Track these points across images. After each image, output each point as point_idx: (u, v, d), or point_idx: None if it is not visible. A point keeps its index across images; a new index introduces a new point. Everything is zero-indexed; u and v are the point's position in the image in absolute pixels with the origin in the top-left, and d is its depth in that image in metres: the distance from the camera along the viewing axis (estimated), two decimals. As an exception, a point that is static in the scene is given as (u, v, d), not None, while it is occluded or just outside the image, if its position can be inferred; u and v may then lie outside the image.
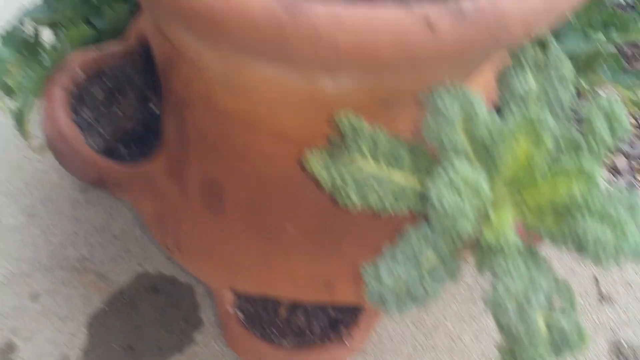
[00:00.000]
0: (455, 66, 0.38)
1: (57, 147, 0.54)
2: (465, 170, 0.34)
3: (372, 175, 0.40)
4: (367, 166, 0.40)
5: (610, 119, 0.37)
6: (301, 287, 0.59)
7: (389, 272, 0.40)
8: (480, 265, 0.40)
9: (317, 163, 0.41)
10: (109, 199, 0.97)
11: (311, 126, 0.45)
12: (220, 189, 0.52)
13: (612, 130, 0.37)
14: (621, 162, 1.04)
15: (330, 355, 0.69)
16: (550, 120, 0.35)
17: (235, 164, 0.50)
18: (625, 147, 1.06)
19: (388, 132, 0.41)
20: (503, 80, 0.40)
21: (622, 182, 1.03)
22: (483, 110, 0.37)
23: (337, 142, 0.42)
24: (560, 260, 0.88)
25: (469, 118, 0.37)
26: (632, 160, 1.05)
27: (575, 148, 0.38)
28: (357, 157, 0.41)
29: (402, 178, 0.40)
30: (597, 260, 0.35)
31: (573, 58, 0.63)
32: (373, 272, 0.41)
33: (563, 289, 0.40)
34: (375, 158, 0.41)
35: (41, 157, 1.00)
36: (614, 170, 1.04)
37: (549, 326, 0.40)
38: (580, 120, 0.38)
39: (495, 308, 0.38)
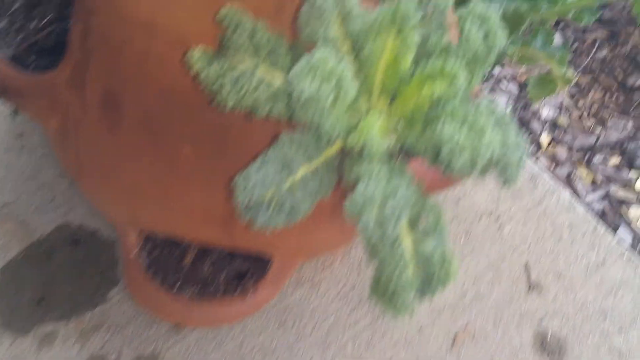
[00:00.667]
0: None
1: (-42, 48, 0.53)
2: (327, 56, 0.34)
3: (249, 72, 0.39)
4: (246, 64, 0.40)
5: (486, 30, 0.36)
6: (200, 224, 0.58)
7: (258, 180, 0.39)
8: (348, 174, 0.39)
9: (196, 60, 0.40)
10: (43, 147, 0.96)
11: (207, 30, 0.45)
12: (119, 101, 0.51)
13: (486, 41, 0.37)
14: (562, 154, 1.05)
15: (232, 309, 0.67)
16: (417, 16, 0.34)
17: (134, 73, 0.49)
18: (567, 138, 1.07)
19: (271, 30, 0.40)
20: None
21: (561, 172, 1.04)
22: (357, 4, 0.37)
23: (221, 40, 0.42)
24: (491, 245, 0.87)
25: (344, 11, 0.36)
26: (573, 152, 1.05)
27: (445, 52, 0.37)
28: (236, 54, 0.40)
29: (280, 76, 0.40)
30: (450, 167, 0.34)
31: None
32: (243, 181, 0.40)
33: (430, 209, 0.39)
34: (254, 54, 0.40)
35: (-21, 101, 0.99)
36: (554, 161, 1.05)
37: (416, 250, 0.39)
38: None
39: (354, 213, 0.36)
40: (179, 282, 0.67)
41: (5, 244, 0.87)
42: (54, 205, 0.91)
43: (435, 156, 0.36)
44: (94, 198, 0.62)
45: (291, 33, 0.43)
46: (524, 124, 1.09)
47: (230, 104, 0.40)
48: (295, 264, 0.69)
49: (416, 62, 0.37)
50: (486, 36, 0.37)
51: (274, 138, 0.49)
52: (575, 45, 1.21)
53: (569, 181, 1.03)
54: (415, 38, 0.35)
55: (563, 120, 1.10)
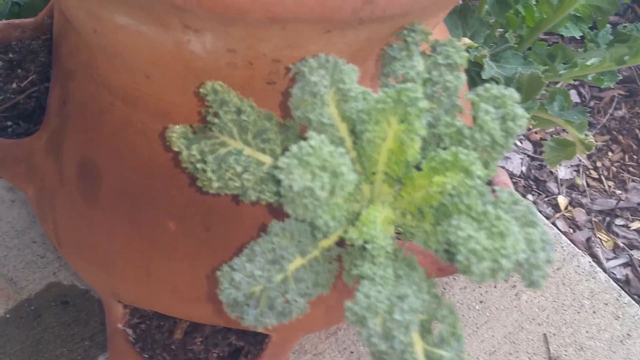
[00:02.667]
0: (330, 35, 0.33)
1: None
2: (321, 146, 0.29)
3: (235, 153, 0.35)
4: (232, 143, 0.35)
5: (503, 113, 0.32)
6: (186, 302, 0.52)
7: (245, 274, 0.34)
8: (348, 273, 0.34)
9: (177, 138, 0.36)
10: (35, 201, 0.92)
11: (190, 104, 0.40)
12: (97, 172, 0.47)
13: (504, 125, 0.32)
14: (580, 216, 0.98)
15: (226, 390, 0.61)
16: (424, 102, 0.29)
17: (113, 144, 0.45)
18: (585, 200, 1.01)
19: (260, 109, 0.36)
20: (385, 60, 0.35)
21: (580, 237, 0.97)
22: (354, 83, 0.32)
23: (204, 116, 0.37)
24: (508, 314, 0.81)
25: (340, 92, 0.32)
26: (592, 216, 0.99)
27: (459, 140, 0.32)
28: (222, 132, 0.35)
29: (269, 159, 0.35)
30: (469, 272, 0.29)
31: (511, 82, 0.59)
32: (228, 274, 0.35)
33: (445, 311, 0.34)
34: (241, 134, 0.35)
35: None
36: (572, 224, 0.99)
37: (428, 357, 0.33)
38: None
39: (356, 322, 0.31)
40: (169, 359, 0.61)
41: (-9, 303, 0.82)
42: (45, 263, 0.87)
43: (449, 256, 0.30)
44: (75, 268, 0.57)
45: (281, 111, 0.38)
46: (539, 184, 1.03)
47: (214, 187, 0.35)
48: (295, 339, 0.63)
49: (424, 147, 0.32)
50: (504, 120, 0.32)
51: (264, 220, 0.44)
52: (592, 103, 1.16)
53: (588, 246, 0.97)
54: (423, 125, 0.30)
55: (581, 181, 1.04)
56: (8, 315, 0.82)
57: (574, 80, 1.10)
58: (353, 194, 0.32)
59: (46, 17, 0.57)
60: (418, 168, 0.33)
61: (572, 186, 1.04)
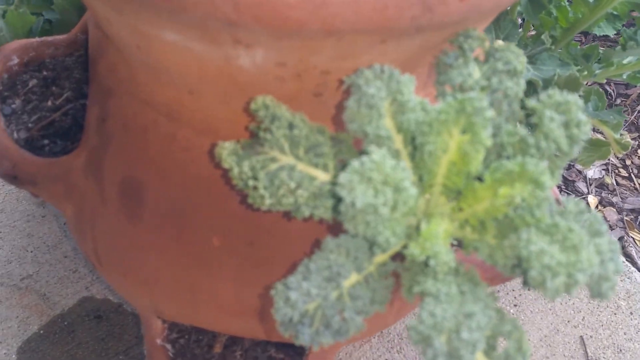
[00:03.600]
0: (385, 44, 0.32)
1: (-28, 133, 0.49)
2: (384, 160, 0.28)
3: (288, 169, 0.34)
4: (283, 158, 0.34)
5: (567, 119, 0.30)
6: (230, 316, 0.52)
7: (300, 292, 0.33)
8: (408, 289, 0.33)
9: (227, 155, 0.35)
10: (65, 216, 0.92)
11: (235, 119, 0.40)
12: (140, 189, 0.46)
13: (568, 132, 0.30)
14: (612, 216, 0.96)
15: (267, 403, 0.61)
16: (490, 111, 0.28)
17: (156, 161, 0.44)
18: (616, 199, 0.99)
19: (311, 122, 0.35)
20: (440, 68, 0.34)
21: (612, 236, 0.95)
22: (412, 93, 0.31)
23: (255, 132, 0.36)
24: (543, 317, 0.79)
25: (397, 103, 0.31)
26: (624, 215, 0.97)
27: (522, 149, 0.31)
28: (273, 147, 0.34)
29: (323, 174, 0.34)
30: (542, 288, 0.28)
31: (549, 84, 0.58)
32: (283, 293, 0.34)
33: (510, 327, 0.33)
34: (293, 149, 0.34)
35: None
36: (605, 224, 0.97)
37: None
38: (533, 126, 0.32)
39: (420, 342, 0.30)
40: (208, 374, 0.61)
41: (24, 320, 0.83)
42: (77, 277, 0.87)
43: (516, 270, 0.29)
44: (115, 286, 0.56)
45: (334, 125, 0.38)
46: (568, 184, 1.01)
47: (267, 203, 0.34)
48: (335, 350, 0.62)
49: (485, 157, 0.31)
50: (567, 127, 0.31)
51: (315, 236, 0.44)
52: (618, 101, 1.14)
53: (622, 246, 0.95)
54: (488, 135, 0.29)
55: (610, 180, 1.02)
56: (42, 332, 0.82)
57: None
58: (412, 208, 0.31)
59: (79, 34, 0.57)
60: (478, 179, 0.32)
61: (601, 185, 1.02)
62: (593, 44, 0.66)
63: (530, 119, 0.32)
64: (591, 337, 0.79)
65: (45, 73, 0.56)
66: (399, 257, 0.37)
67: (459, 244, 0.36)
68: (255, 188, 0.35)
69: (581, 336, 0.78)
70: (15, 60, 0.54)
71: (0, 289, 0.86)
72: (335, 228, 0.41)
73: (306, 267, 0.34)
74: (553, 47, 0.62)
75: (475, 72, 0.33)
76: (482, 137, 0.29)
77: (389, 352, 0.79)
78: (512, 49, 0.34)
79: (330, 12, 0.29)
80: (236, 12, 0.29)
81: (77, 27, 0.57)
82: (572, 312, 0.81)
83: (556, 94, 0.31)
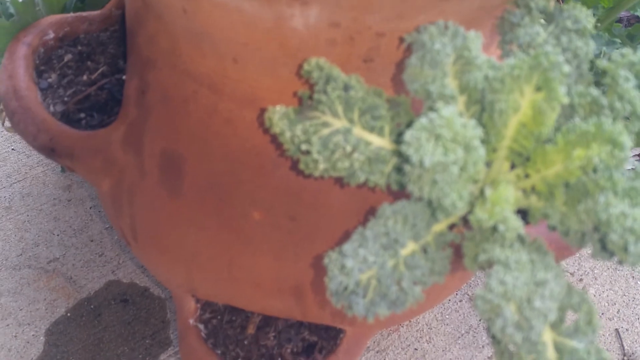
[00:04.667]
0: (445, 1, 0.31)
1: (9, 104, 0.48)
2: (454, 118, 0.27)
3: (342, 132, 0.32)
4: (337, 122, 0.33)
5: (643, 80, 0.29)
6: (267, 295, 0.51)
7: (356, 260, 0.32)
8: (473, 259, 0.31)
9: (278, 119, 0.34)
10: (92, 200, 0.91)
11: (282, 88, 0.38)
12: (180, 163, 0.45)
13: (645, 93, 0.29)
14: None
15: (300, 387, 0.59)
16: (567, 66, 0.27)
17: (198, 134, 0.43)
18: None
19: (367, 85, 0.33)
20: (505, 28, 0.33)
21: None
22: (480, 51, 0.29)
23: (305, 98, 0.35)
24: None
25: (463, 60, 0.29)
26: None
27: (595, 111, 0.29)
28: (326, 110, 0.33)
29: (378, 138, 0.32)
30: (626, 257, 0.26)
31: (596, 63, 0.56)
32: (337, 261, 0.33)
33: (578, 298, 0.31)
34: (347, 112, 0.33)
35: (28, 151, 0.96)
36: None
37: (558, 348, 0.31)
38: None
39: (488, 311, 0.28)
40: (242, 355, 0.60)
41: (52, 302, 0.82)
42: (103, 261, 0.87)
43: (593, 239, 0.28)
44: (149, 263, 0.55)
45: (389, 88, 0.36)
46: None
47: (320, 168, 0.33)
48: (370, 335, 0.61)
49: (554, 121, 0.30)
50: (641, 87, 0.29)
51: (364, 207, 0.42)
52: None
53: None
54: (564, 92, 0.27)
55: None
56: (69, 314, 0.82)
57: None
58: (478, 171, 0.29)
59: (113, 9, 0.56)
60: (550, 142, 0.30)
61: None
62: (637, 24, 0.64)
63: (601, 82, 0.31)
64: (627, 330, 0.76)
65: (80, 48, 0.55)
66: (457, 227, 0.35)
67: (521, 215, 0.34)
68: (308, 152, 0.33)
69: (616, 329, 0.76)
70: (51, 35, 0.53)
71: (28, 271, 0.86)
72: (386, 199, 0.40)
73: (361, 234, 0.33)
74: (599, 24, 0.60)
75: (542, 32, 0.31)
76: (559, 93, 0.27)
77: (418, 341, 0.77)
78: (579, 9, 0.32)
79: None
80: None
81: (112, 3, 0.56)
82: (606, 304, 0.79)
83: (629, 54, 0.29)
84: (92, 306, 0.84)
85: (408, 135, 0.27)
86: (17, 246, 0.88)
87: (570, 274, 0.81)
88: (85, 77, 0.53)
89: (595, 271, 0.82)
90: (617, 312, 0.78)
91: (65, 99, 0.52)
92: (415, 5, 0.31)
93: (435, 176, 0.27)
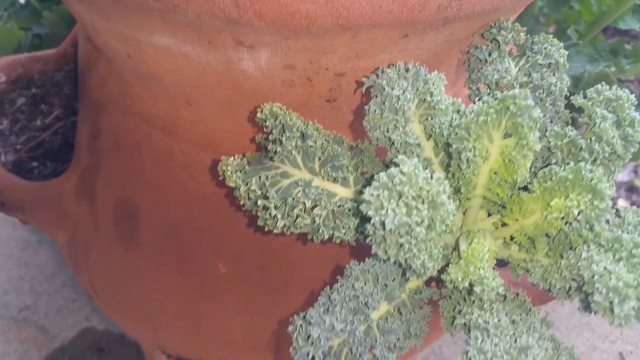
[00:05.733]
0: (406, 40, 0.28)
1: (-45, 158, 0.45)
2: (415, 172, 0.24)
3: (302, 185, 0.29)
4: (296, 173, 0.30)
5: (619, 119, 0.26)
6: (240, 352, 0.47)
7: (323, 327, 0.29)
8: (450, 321, 0.28)
9: (232, 171, 0.31)
10: (63, 242, 0.88)
11: (239, 130, 0.36)
12: (135, 212, 0.42)
13: (622, 134, 0.26)
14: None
15: None
16: (537, 110, 0.24)
17: (153, 179, 0.40)
18: None
19: (326, 131, 0.31)
20: (472, 64, 0.30)
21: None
22: (443, 93, 0.27)
23: (263, 145, 0.32)
24: (579, 333, 0.74)
25: (426, 105, 0.27)
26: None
27: (573, 153, 0.27)
28: (284, 161, 0.30)
29: (342, 189, 0.30)
30: (609, 314, 0.23)
31: (579, 82, 0.54)
32: (303, 329, 0.29)
33: (566, 358, 0.28)
34: (306, 162, 0.30)
35: (-6, 193, 0.92)
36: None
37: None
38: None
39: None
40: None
41: (24, 354, 0.78)
42: (76, 307, 0.83)
43: (584, 294, 0.25)
44: (114, 319, 0.52)
45: (351, 134, 0.33)
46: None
47: (279, 226, 0.30)
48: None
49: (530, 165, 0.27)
50: (619, 126, 0.27)
51: (325, 256, 0.39)
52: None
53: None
54: (536, 138, 0.24)
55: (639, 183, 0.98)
56: (42, 367, 0.78)
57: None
58: (449, 226, 0.26)
59: (69, 47, 0.53)
60: (526, 190, 0.28)
61: (631, 188, 0.98)
62: (620, 38, 0.63)
63: (577, 120, 0.28)
64: (631, 352, 0.74)
65: (34, 90, 0.52)
66: (435, 281, 0.32)
67: (500, 264, 0.31)
68: (265, 208, 0.30)
69: (620, 352, 0.73)
70: (3, 78, 0.50)
71: (-2, 322, 0.81)
72: (359, 248, 0.37)
73: (328, 297, 0.30)
74: (580, 42, 0.58)
75: (512, 68, 0.29)
76: (530, 140, 0.24)
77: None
78: (550, 41, 0.30)
79: (343, 4, 0.25)
80: (237, 8, 0.24)
81: (67, 40, 0.54)
82: (609, 327, 0.77)
83: (605, 90, 0.27)
84: (66, 357, 0.80)
85: (367, 193, 0.24)
86: (-14, 295, 0.84)
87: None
88: (39, 122, 0.50)
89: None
90: (620, 334, 0.76)
91: (18, 146, 0.49)
92: (372, 46, 0.29)
93: (399, 239, 0.24)
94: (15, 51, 0.55)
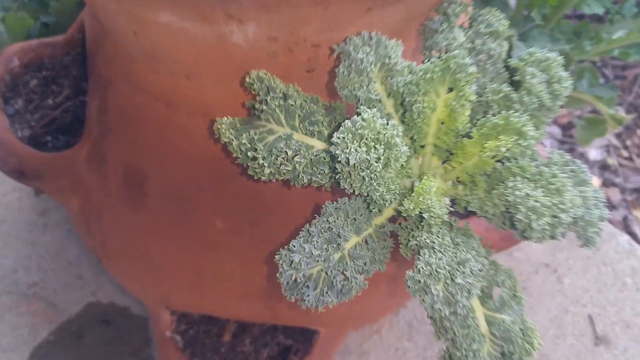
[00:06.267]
0: (370, 13, 0.34)
1: (-23, 133, 0.51)
2: (374, 119, 0.29)
3: (285, 138, 0.35)
4: (279, 129, 0.35)
5: (549, 76, 0.32)
6: (237, 300, 0.53)
7: (303, 254, 0.34)
8: (406, 245, 0.34)
9: (225, 129, 0.36)
10: (68, 224, 0.93)
11: (232, 98, 0.41)
12: (142, 177, 0.47)
13: (550, 88, 0.32)
14: (615, 196, 0.98)
15: (276, 389, 0.61)
16: (473, 67, 0.30)
17: (156, 147, 0.46)
18: (618, 180, 1.00)
19: (305, 93, 0.36)
20: (427, 34, 0.36)
21: (616, 216, 0.96)
22: (399, 57, 0.32)
23: (251, 107, 0.38)
24: (551, 299, 0.80)
25: (386, 67, 0.32)
26: (627, 194, 0.98)
27: (507, 106, 0.33)
28: (269, 119, 0.36)
29: (318, 142, 0.35)
30: (529, 231, 0.29)
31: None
32: (286, 257, 0.35)
33: (504, 276, 0.34)
34: (288, 119, 0.36)
35: (1, 178, 0.97)
36: (608, 204, 0.98)
37: (488, 322, 0.34)
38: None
39: (418, 291, 0.31)
40: (218, 362, 0.62)
41: (34, 326, 0.83)
42: (82, 283, 0.88)
43: (506, 220, 0.31)
44: (121, 279, 0.58)
45: (326, 94, 0.39)
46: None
47: (266, 173, 0.36)
48: (343, 335, 0.63)
49: (472, 116, 0.33)
50: (549, 83, 0.33)
51: (315, 206, 0.45)
52: (617, 83, 1.15)
53: (625, 225, 0.96)
54: (472, 91, 0.30)
55: (612, 161, 1.04)
56: (52, 337, 0.83)
57: (598, 62, 1.10)
58: (404, 168, 0.32)
59: (75, 33, 0.59)
60: (467, 137, 0.33)
61: (603, 167, 1.04)
62: (583, 21, 0.68)
63: (513, 78, 0.34)
64: (599, 314, 0.80)
65: (44, 73, 0.57)
66: (395, 220, 0.38)
67: (453, 204, 0.37)
68: (254, 159, 0.36)
69: (589, 314, 0.79)
70: (16, 62, 0.56)
71: (9, 297, 0.87)
72: (333, 193, 0.42)
73: (307, 231, 0.35)
74: (544, 24, 0.64)
75: (460, 36, 0.35)
76: (467, 92, 0.30)
77: (399, 341, 0.79)
78: (494, 14, 0.35)
79: (316, -20, 0.30)
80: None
81: (74, 27, 0.59)
82: (580, 292, 0.82)
83: (537, 52, 0.32)
84: (73, 329, 0.85)
85: (335, 137, 0.30)
86: (-3, 273, 0.89)
87: (546, 265, 0.84)
88: (50, 101, 0.56)
89: (570, 261, 0.85)
90: (590, 299, 0.82)
91: (32, 123, 0.54)
92: (343, 18, 0.34)
93: (361, 173, 0.30)
94: (26, 38, 0.61)
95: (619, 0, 0.71)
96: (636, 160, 1.03)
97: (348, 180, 0.31)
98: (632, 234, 0.95)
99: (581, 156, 1.04)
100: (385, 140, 0.30)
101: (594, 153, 1.03)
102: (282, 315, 0.55)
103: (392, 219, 0.37)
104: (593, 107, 0.70)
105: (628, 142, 1.05)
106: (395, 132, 0.30)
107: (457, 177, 0.34)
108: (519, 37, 0.60)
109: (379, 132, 0.30)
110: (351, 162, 0.29)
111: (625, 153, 1.03)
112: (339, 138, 0.30)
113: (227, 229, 0.47)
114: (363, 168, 0.30)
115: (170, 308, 0.59)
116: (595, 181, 1.00)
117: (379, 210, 0.34)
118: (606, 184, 1.00)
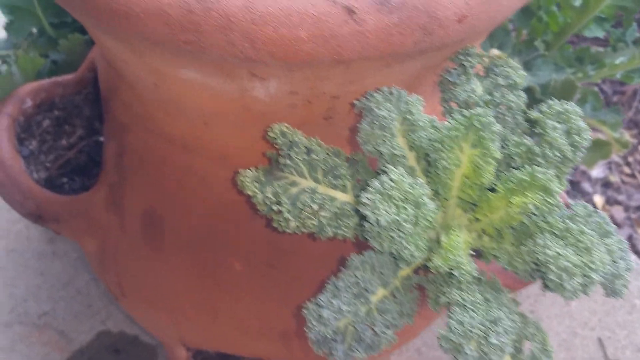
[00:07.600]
0: (389, 68, 0.34)
1: (-6, 177, 0.51)
2: (402, 179, 0.30)
3: (309, 191, 0.35)
4: (303, 182, 0.36)
5: (568, 127, 0.32)
6: (254, 340, 0.53)
7: (331, 309, 0.35)
8: (436, 301, 0.34)
9: (250, 182, 0.37)
10: (76, 252, 0.93)
11: (250, 146, 0.41)
12: (160, 220, 0.48)
13: (570, 139, 0.32)
14: (619, 214, 0.98)
15: None
16: (497, 125, 0.30)
17: (174, 192, 0.46)
18: (622, 197, 1.00)
19: (327, 146, 0.36)
20: (444, 86, 0.36)
21: (621, 234, 0.96)
22: (421, 113, 0.33)
23: (273, 159, 0.38)
24: (560, 322, 0.80)
25: (407, 122, 0.33)
26: (631, 212, 0.98)
27: (530, 158, 0.33)
28: (292, 172, 0.36)
29: (342, 194, 0.36)
30: (561, 290, 0.29)
31: (547, 89, 0.60)
32: (314, 312, 0.35)
33: (533, 329, 0.34)
34: (311, 173, 0.36)
35: (9, 207, 0.97)
36: (613, 223, 0.98)
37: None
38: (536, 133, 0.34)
39: (452, 350, 0.31)
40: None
41: (46, 356, 0.83)
42: (92, 312, 0.88)
43: (536, 274, 0.31)
44: (138, 316, 0.58)
45: (347, 144, 0.39)
46: (574, 185, 1.03)
47: (292, 226, 0.36)
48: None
49: (496, 168, 0.33)
50: (569, 134, 0.33)
51: (334, 249, 0.45)
52: (615, 98, 1.16)
53: (632, 244, 0.96)
54: (497, 147, 0.30)
55: (614, 178, 1.04)
56: (63, 367, 0.83)
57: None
58: (431, 222, 0.32)
59: (86, 72, 0.59)
60: (492, 190, 0.34)
61: (606, 184, 1.04)
62: (584, 46, 0.69)
63: (534, 129, 0.34)
64: (609, 337, 0.79)
65: (56, 112, 0.57)
66: (422, 270, 0.38)
67: (477, 254, 0.37)
68: (279, 212, 0.36)
69: (599, 337, 0.79)
70: (29, 103, 0.56)
71: (20, 327, 0.87)
72: (358, 246, 0.43)
73: (334, 285, 0.36)
74: (547, 52, 0.64)
75: (478, 88, 0.35)
76: (492, 150, 0.30)
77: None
78: (510, 64, 0.36)
79: (338, 43, 0.31)
80: (254, 50, 0.30)
81: (84, 66, 0.59)
82: (588, 314, 0.82)
83: (556, 104, 0.33)
84: (85, 358, 0.85)
85: (364, 197, 0.30)
86: (7, 303, 0.88)
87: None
88: (64, 142, 0.56)
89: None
90: (599, 321, 0.81)
91: (47, 164, 0.54)
92: (361, 73, 0.35)
93: (391, 233, 0.30)
94: (36, 77, 0.61)
95: (619, 21, 0.71)
96: (639, 177, 1.03)
97: (378, 239, 0.31)
98: (638, 253, 0.95)
99: (583, 174, 1.04)
100: (414, 199, 0.30)
101: (596, 170, 1.03)
102: (298, 354, 0.55)
103: (417, 270, 0.38)
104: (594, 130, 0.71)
105: (630, 159, 1.05)
106: (423, 191, 0.30)
107: (483, 229, 0.34)
108: (523, 66, 0.61)
109: (407, 192, 0.30)
110: (381, 223, 0.30)
111: (627, 170, 1.04)
112: (368, 199, 0.30)
113: (245, 270, 0.48)
114: (393, 228, 0.30)
115: (186, 345, 0.59)
116: (599, 199, 1.00)
117: (407, 265, 0.34)
118: (609, 201, 1.00)
